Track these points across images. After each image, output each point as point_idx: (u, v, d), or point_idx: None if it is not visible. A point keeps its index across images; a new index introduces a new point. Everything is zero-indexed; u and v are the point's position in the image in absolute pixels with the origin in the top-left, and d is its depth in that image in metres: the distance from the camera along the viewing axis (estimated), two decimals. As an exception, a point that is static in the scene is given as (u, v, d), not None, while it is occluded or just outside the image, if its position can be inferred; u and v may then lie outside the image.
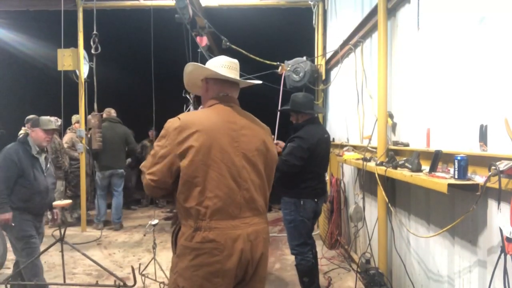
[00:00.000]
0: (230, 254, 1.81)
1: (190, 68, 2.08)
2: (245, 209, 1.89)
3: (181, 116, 1.91)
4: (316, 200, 3.58)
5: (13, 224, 3.47)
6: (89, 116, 6.26)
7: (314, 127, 3.67)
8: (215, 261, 1.81)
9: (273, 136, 4.00)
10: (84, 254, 3.83)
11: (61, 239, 3.74)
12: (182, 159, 1.81)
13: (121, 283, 3.58)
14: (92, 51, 5.87)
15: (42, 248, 3.75)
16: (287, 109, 3.76)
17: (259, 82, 2.24)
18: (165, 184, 1.87)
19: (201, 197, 1.81)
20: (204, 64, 2.07)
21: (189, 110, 5.62)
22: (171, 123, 1.88)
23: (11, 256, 4.89)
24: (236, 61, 2.07)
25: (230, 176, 1.85)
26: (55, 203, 3.88)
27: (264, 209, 2.00)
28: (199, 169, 1.80)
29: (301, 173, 3.48)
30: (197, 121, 1.87)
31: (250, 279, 1.96)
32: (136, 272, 3.69)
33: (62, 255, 3.92)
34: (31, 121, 3.88)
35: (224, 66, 2.01)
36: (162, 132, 1.90)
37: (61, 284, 3.95)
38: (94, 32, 5.56)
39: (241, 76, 2.13)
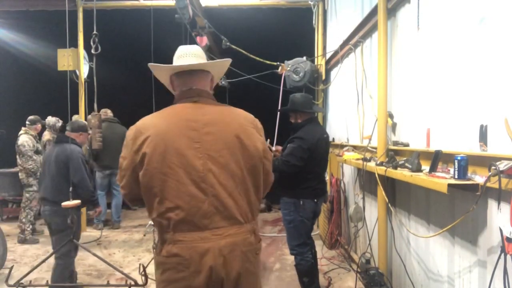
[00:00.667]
0: (197, 270, 1.59)
1: (154, 71, 1.89)
2: (217, 218, 1.62)
3: (139, 121, 1.74)
4: (315, 200, 3.58)
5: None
6: (89, 116, 6.26)
7: (313, 126, 3.68)
8: (181, 278, 1.61)
9: (269, 140, 4.04)
10: (94, 255, 3.82)
11: (71, 240, 3.74)
12: (140, 168, 1.63)
13: (132, 282, 3.58)
14: (92, 51, 5.87)
15: (52, 249, 3.75)
16: (286, 109, 3.79)
17: (226, 60, 1.89)
18: (137, 196, 1.72)
19: (161, 208, 1.62)
20: None
21: None
22: (129, 131, 1.72)
23: (11, 256, 4.90)
24: (192, 47, 1.85)
25: (192, 182, 1.61)
26: (64, 203, 3.89)
27: (247, 216, 1.70)
28: (155, 178, 1.61)
29: (301, 173, 3.48)
30: (150, 125, 1.68)
31: None
32: (136, 272, 3.70)
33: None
34: (76, 125, 4.03)
35: (178, 57, 1.81)
36: (124, 141, 1.75)
37: (72, 285, 3.94)
38: (94, 32, 5.56)
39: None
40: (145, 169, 1.62)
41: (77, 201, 4.01)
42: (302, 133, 3.53)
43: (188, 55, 1.81)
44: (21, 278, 3.53)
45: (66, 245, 3.55)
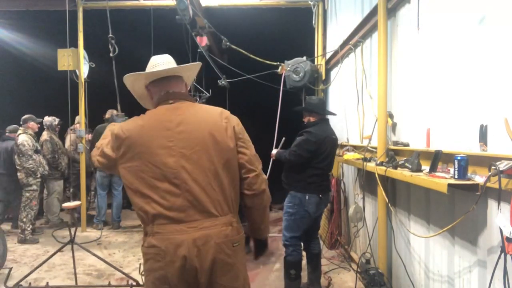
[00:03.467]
0: (172, 260, 1.71)
1: (128, 83, 2.01)
2: (192, 212, 1.74)
3: (123, 123, 1.93)
4: (320, 196, 3.66)
5: None
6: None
7: (324, 126, 3.81)
8: (159, 267, 1.75)
9: (284, 138, 4.09)
10: (95, 255, 3.82)
11: (72, 241, 3.75)
12: (119, 165, 1.82)
13: (134, 283, 3.58)
14: (111, 54, 5.85)
15: (51, 248, 3.74)
16: (302, 109, 3.96)
17: (196, 63, 2.08)
18: (108, 165, 1.93)
19: (140, 203, 1.77)
20: None
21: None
22: (113, 127, 1.91)
23: (11, 256, 4.90)
24: (163, 56, 1.98)
25: (165, 179, 1.74)
26: (65, 204, 3.93)
27: (222, 209, 1.79)
28: (135, 176, 1.77)
29: (307, 168, 3.62)
30: (131, 126, 1.83)
31: None
32: (136, 272, 3.70)
33: (73, 256, 3.91)
34: None
35: (151, 66, 1.95)
36: (106, 131, 1.97)
37: (73, 286, 3.95)
38: (110, 34, 5.49)
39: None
40: (125, 167, 1.80)
41: (78, 202, 4.07)
42: (312, 129, 3.69)
43: (160, 64, 1.94)
44: (21, 280, 3.53)
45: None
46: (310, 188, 3.62)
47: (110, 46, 5.61)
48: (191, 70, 2.08)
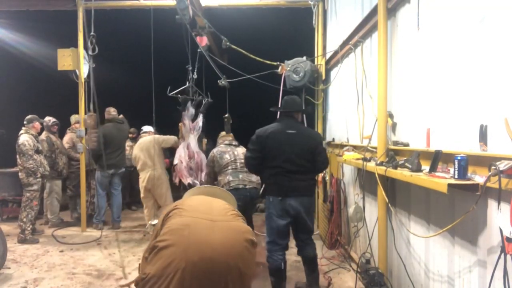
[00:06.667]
0: None
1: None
2: None
3: None
4: (279, 198, 3.45)
5: None
6: (85, 117, 6.28)
7: (282, 122, 3.67)
8: None
9: None
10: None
11: None
12: None
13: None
14: (90, 52, 5.88)
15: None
16: (278, 109, 4.07)
17: None
18: None
19: None
20: None
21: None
22: None
23: (11, 256, 4.90)
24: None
25: None
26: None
27: None
28: None
29: (265, 169, 3.56)
30: None
31: None
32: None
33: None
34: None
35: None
36: None
37: None
38: (92, 33, 5.52)
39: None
40: None
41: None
42: (260, 128, 3.62)
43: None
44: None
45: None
46: (270, 190, 3.50)
47: (90, 44, 5.62)
48: None
